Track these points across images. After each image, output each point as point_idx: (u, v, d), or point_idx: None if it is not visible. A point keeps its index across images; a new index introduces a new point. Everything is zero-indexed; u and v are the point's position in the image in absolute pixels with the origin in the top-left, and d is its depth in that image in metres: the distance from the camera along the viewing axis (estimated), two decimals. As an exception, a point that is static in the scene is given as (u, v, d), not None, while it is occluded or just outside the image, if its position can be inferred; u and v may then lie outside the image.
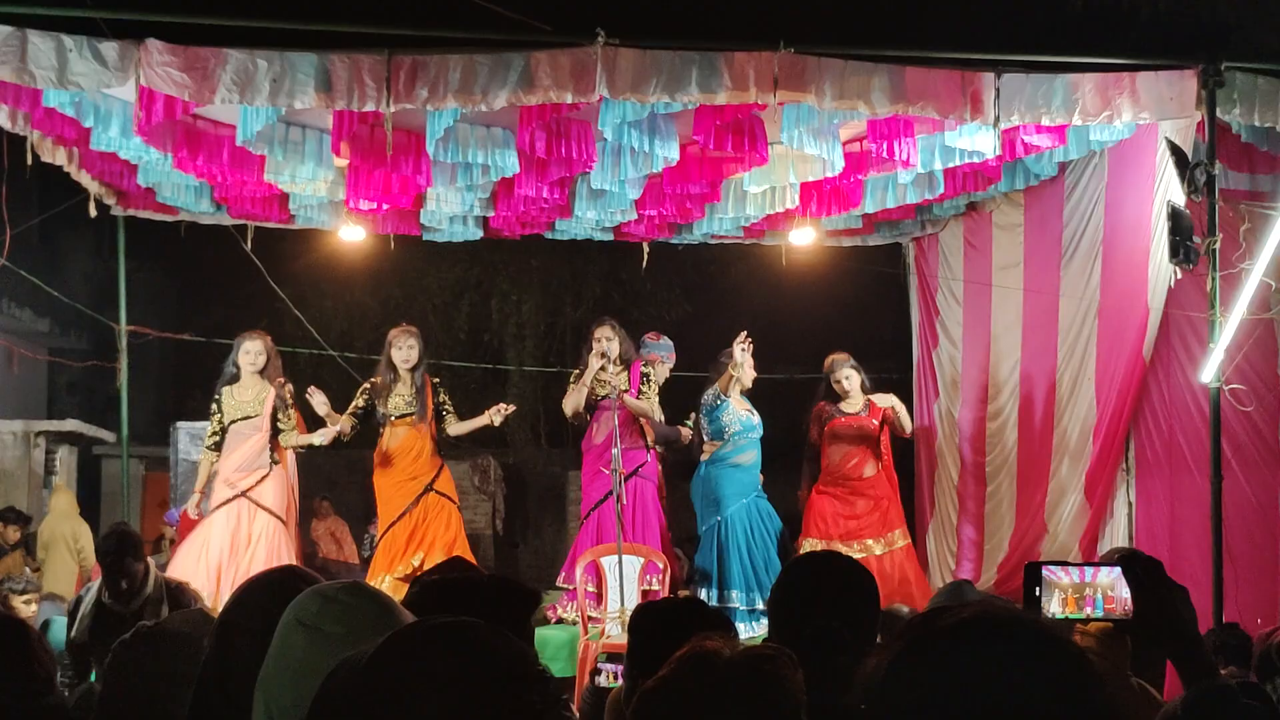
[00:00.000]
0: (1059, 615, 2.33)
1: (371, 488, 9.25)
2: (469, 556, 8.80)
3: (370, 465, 9.34)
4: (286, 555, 8.65)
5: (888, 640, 1.58)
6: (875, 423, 9.38)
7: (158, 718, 3.01)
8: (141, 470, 17.68)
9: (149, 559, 6.60)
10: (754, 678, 2.09)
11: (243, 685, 2.02)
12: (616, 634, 7.96)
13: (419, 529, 8.91)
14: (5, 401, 19.48)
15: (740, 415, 9.18)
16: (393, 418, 8.99)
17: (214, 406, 8.96)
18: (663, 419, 9.41)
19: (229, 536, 8.56)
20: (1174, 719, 2.84)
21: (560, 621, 8.96)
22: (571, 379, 9.32)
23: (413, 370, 9.05)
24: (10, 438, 16.46)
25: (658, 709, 2.08)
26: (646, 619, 3.54)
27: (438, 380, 9.28)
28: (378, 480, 9.16)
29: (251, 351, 8.98)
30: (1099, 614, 2.36)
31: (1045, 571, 2.35)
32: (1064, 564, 2.39)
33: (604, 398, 9.02)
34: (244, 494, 8.72)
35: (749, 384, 9.24)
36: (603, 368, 8.97)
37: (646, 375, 9.13)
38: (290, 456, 9.13)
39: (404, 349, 9.04)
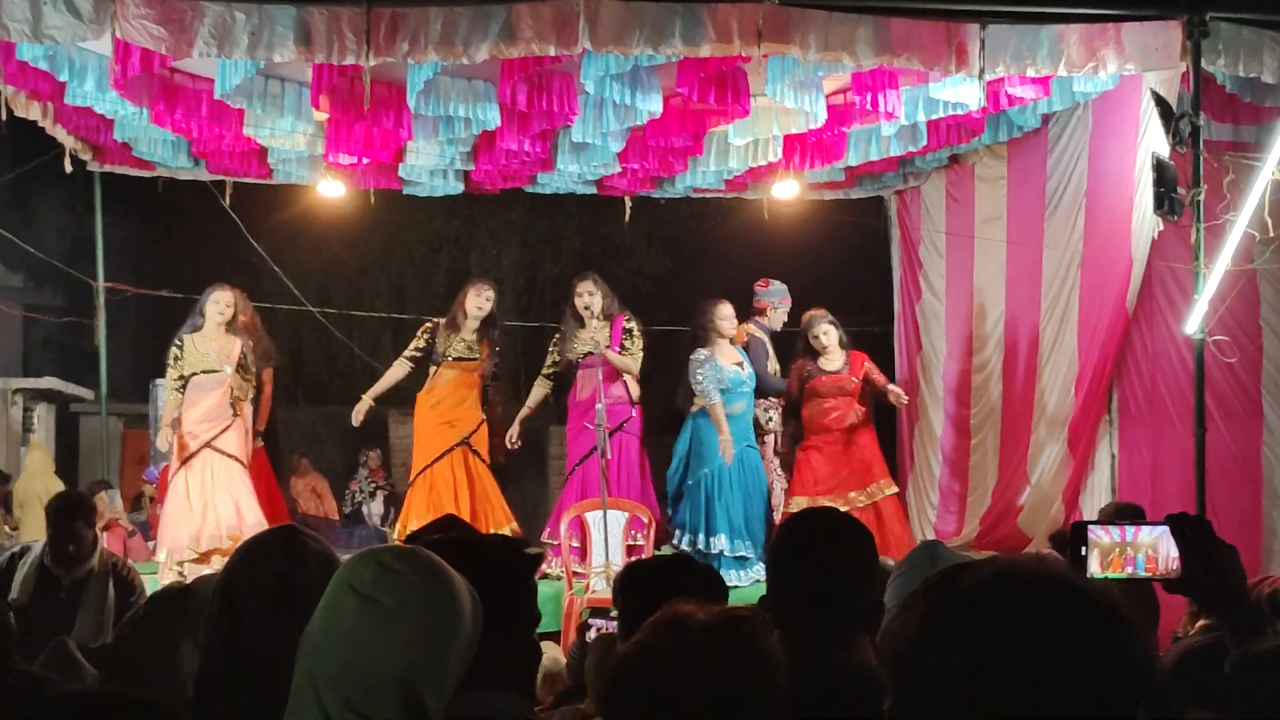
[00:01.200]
0: (1099, 575, 2.31)
1: (353, 442, 9.28)
2: (500, 512, 9.03)
3: (349, 422, 9.39)
4: (249, 497, 8.76)
5: (908, 602, 1.57)
6: (856, 380, 9.38)
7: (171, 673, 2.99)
8: (120, 427, 17.57)
9: (99, 533, 6.53)
10: (728, 640, 2.07)
11: (249, 647, 1.99)
12: (601, 589, 7.97)
13: (445, 486, 9.00)
14: (-19, 358, 19.36)
15: (729, 370, 9.13)
16: (449, 358, 9.10)
17: (175, 352, 8.91)
18: (772, 371, 9.62)
19: (199, 485, 8.66)
20: (1167, 674, 2.85)
21: (545, 577, 8.96)
22: (551, 345, 9.34)
23: (482, 323, 9.15)
24: (-13, 395, 16.35)
25: (633, 674, 2.07)
26: (634, 579, 3.53)
27: (498, 349, 9.41)
28: (418, 420, 9.32)
29: (221, 302, 8.94)
30: (1140, 573, 2.34)
31: (1092, 531, 2.33)
32: (1112, 523, 2.38)
33: (587, 354, 9.02)
34: (208, 444, 8.76)
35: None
36: (584, 323, 8.99)
37: (629, 330, 9.10)
38: (246, 409, 9.11)
39: (480, 299, 9.15)
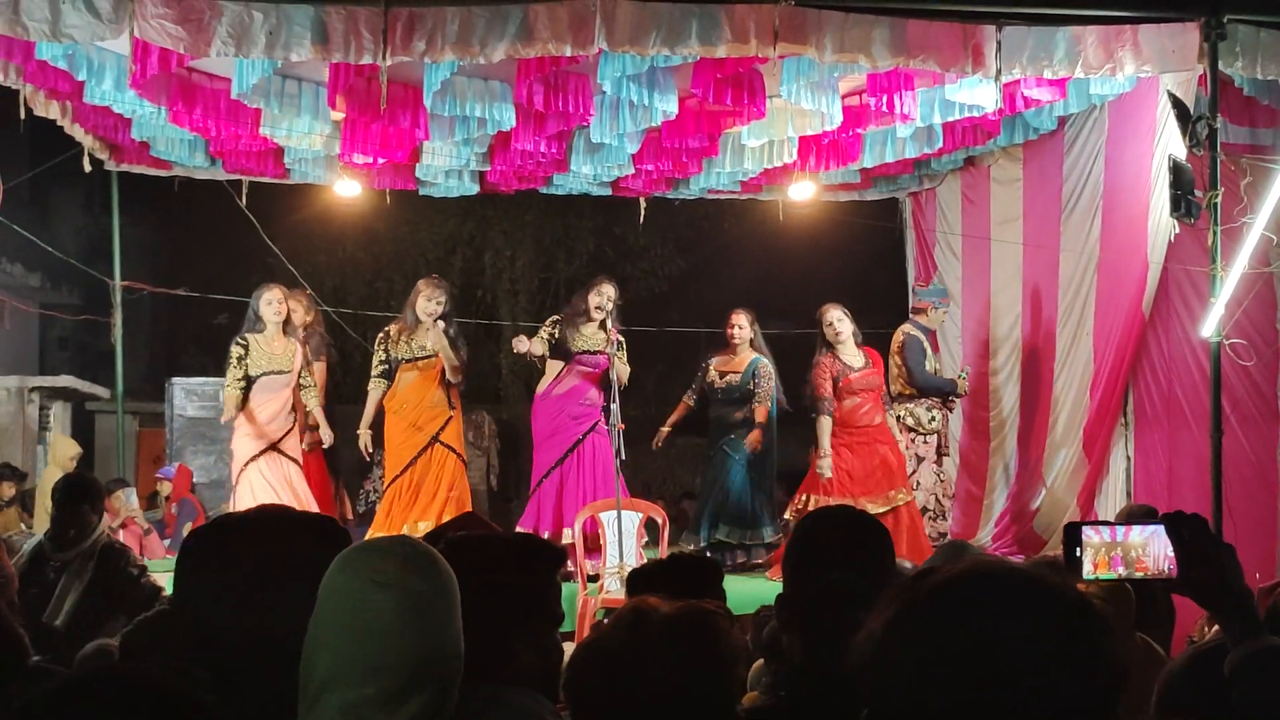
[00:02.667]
0: (1090, 576, 2.30)
1: (374, 442, 9.27)
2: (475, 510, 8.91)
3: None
4: (309, 500, 8.87)
5: (880, 605, 1.55)
6: (879, 377, 9.47)
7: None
8: (136, 426, 17.65)
9: (106, 522, 6.49)
10: (687, 633, 2.08)
11: (290, 634, 1.99)
12: (615, 589, 7.97)
13: (422, 486, 8.96)
14: (-1, 357, 19.43)
15: (711, 376, 9.74)
16: (403, 361, 9.02)
17: (239, 351, 8.89)
18: (932, 370, 9.68)
19: (269, 486, 8.71)
20: (1176, 677, 2.83)
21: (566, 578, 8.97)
22: (549, 324, 9.30)
23: (436, 321, 9.06)
24: (4, 393, 16.39)
25: (592, 663, 2.08)
26: (643, 578, 3.55)
27: (453, 334, 9.22)
28: (387, 426, 9.21)
29: (274, 301, 8.98)
30: (1132, 573, 2.32)
31: (1084, 532, 2.31)
32: (1101, 523, 2.36)
33: (586, 352, 9.02)
34: (274, 446, 8.83)
35: None
36: (601, 324, 9.04)
37: (621, 343, 9.10)
38: (300, 410, 9.19)
39: (431, 301, 9.07)
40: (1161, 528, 2.32)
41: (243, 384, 8.86)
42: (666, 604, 2.15)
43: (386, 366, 9.11)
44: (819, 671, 2.48)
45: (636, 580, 3.57)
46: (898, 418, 9.63)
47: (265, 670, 2.04)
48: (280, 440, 8.87)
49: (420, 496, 8.92)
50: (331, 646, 1.93)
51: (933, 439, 9.63)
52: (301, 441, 9.22)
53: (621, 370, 8.92)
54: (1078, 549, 2.29)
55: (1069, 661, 1.43)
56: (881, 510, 9.20)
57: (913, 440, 9.54)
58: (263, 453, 8.81)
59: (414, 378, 9.05)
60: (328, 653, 1.93)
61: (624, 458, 8.52)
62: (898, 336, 9.58)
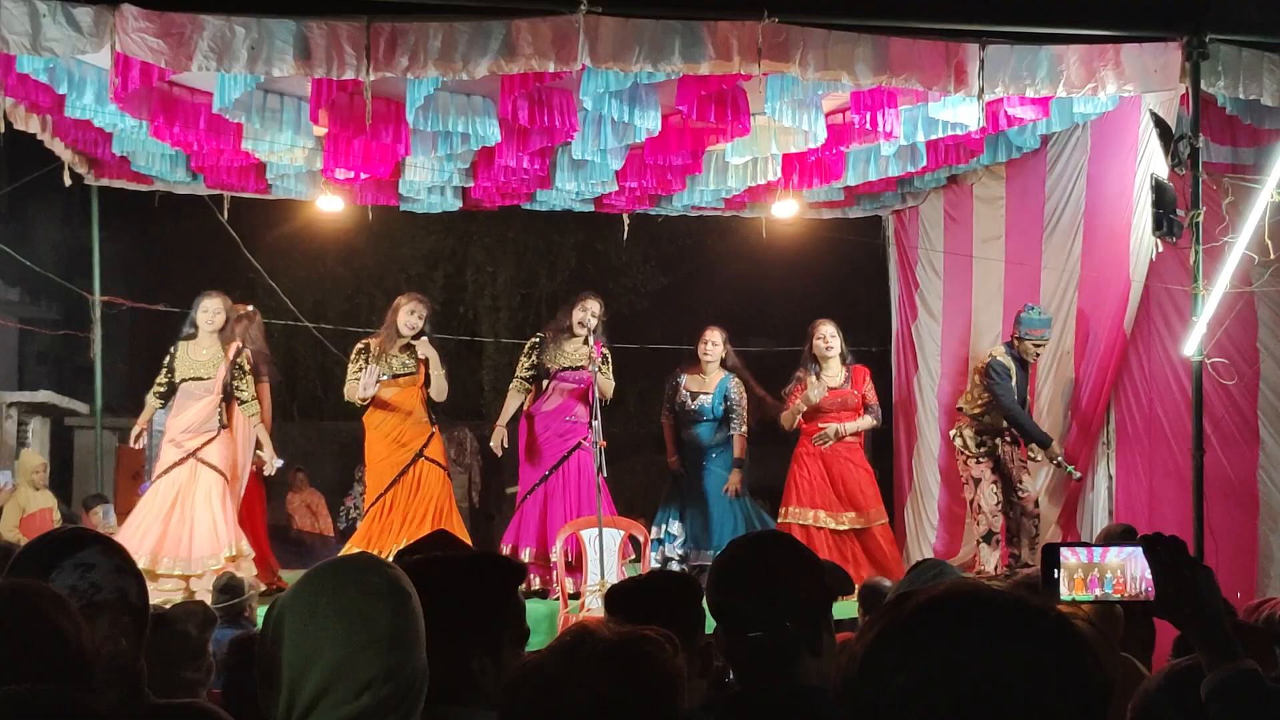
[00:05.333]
0: (1067, 597, 2.29)
1: (348, 458, 9.21)
2: (459, 526, 8.80)
3: (345, 437, 9.29)
4: (228, 509, 8.60)
5: (863, 626, 1.55)
6: (858, 394, 9.46)
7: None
8: (115, 441, 17.53)
9: None
10: (626, 660, 2.06)
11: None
12: (596, 607, 7.93)
13: (407, 505, 8.87)
14: (-25, 372, 19.32)
15: (684, 395, 9.56)
16: (384, 378, 8.93)
17: (166, 359, 8.88)
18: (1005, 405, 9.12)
19: (174, 495, 8.50)
20: (1152, 696, 2.82)
21: (541, 594, 8.92)
22: (528, 350, 9.27)
23: (415, 337, 9.02)
24: (-18, 408, 16.34)
25: (528, 686, 2.05)
26: (621, 596, 3.53)
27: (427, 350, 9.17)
28: (368, 443, 9.12)
29: (210, 310, 8.85)
30: (1110, 594, 2.32)
31: (1062, 553, 2.31)
32: (1079, 544, 2.36)
33: (565, 368, 9.00)
34: (192, 454, 8.63)
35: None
36: (585, 339, 9.00)
37: (606, 357, 9.08)
38: (241, 421, 8.96)
39: (413, 314, 9.01)
40: (1139, 549, 2.32)
41: (164, 390, 8.81)
42: (609, 628, 2.12)
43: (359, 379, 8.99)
44: (756, 694, 2.50)
45: (614, 597, 3.54)
46: (951, 435, 9.55)
47: None
48: (201, 449, 8.62)
49: (407, 514, 8.83)
50: (323, 663, 1.92)
51: (986, 460, 9.19)
52: (240, 452, 8.96)
53: (605, 385, 8.88)
54: (1055, 570, 2.29)
55: (1051, 683, 1.41)
56: (856, 529, 9.27)
57: (964, 462, 9.32)
58: (179, 463, 8.60)
59: (394, 393, 8.96)
60: (319, 669, 1.92)
61: (605, 474, 8.50)
62: (984, 357, 9.24)
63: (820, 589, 2.67)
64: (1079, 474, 8.91)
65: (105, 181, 10.59)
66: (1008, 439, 9.18)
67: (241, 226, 11.45)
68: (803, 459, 9.55)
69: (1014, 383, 9.03)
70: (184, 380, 8.76)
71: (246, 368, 8.90)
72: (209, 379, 8.74)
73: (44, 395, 17.30)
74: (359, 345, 9.13)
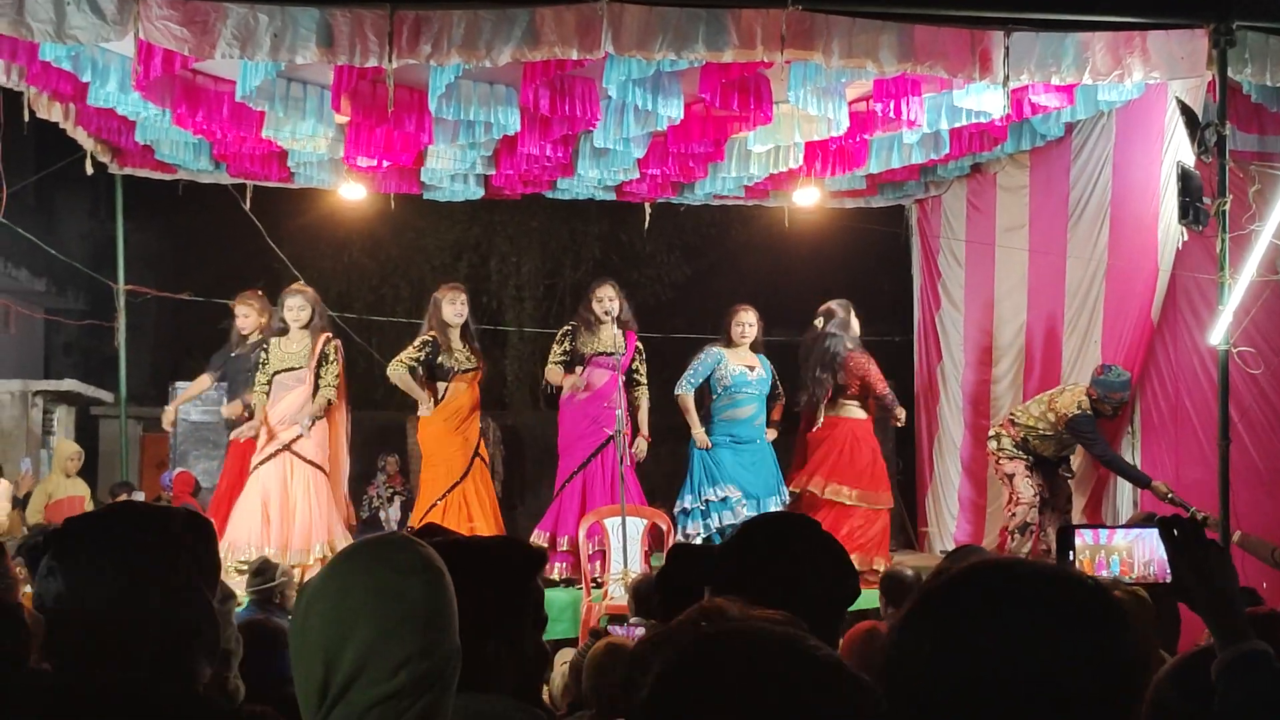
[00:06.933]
0: None
1: (372, 447, 9.23)
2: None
3: (368, 426, 9.32)
4: (328, 504, 8.83)
5: (903, 607, 1.55)
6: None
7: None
8: (139, 431, 17.62)
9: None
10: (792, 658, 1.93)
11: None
12: (619, 596, 7.94)
13: (476, 497, 8.97)
14: (3, 361, 19.44)
15: (735, 370, 9.34)
16: (456, 372, 9.00)
17: (262, 355, 9.00)
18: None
19: (279, 488, 8.67)
20: (1158, 684, 2.80)
21: (568, 583, 8.92)
22: (560, 337, 9.27)
23: (464, 326, 9.12)
24: (8, 397, 16.41)
25: (678, 691, 1.82)
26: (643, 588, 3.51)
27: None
28: (433, 436, 9.12)
29: (294, 306, 8.98)
30: (1116, 575, 2.33)
31: (1077, 535, 2.31)
32: (1091, 526, 2.36)
33: (601, 354, 8.99)
34: (287, 447, 8.78)
35: None
36: (616, 322, 9.06)
37: (640, 351, 9.07)
38: (339, 415, 9.15)
39: (456, 304, 9.09)
40: (1148, 531, 2.32)
41: (265, 386, 8.92)
42: (740, 619, 1.99)
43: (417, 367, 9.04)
44: None
45: (640, 592, 3.52)
46: (989, 435, 9.40)
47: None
48: (294, 442, 8.77)
49: (472, 508, 8.90)
50: (357, 642, 1.92)
51: (1020, 458, 9.03)
52: (331, 445, 9.06)
53: (641, 398, 9.14)
54: (1070, 552, 2.30)
55: (1088, 650, 1.41)
56: (865, 506, 9.31)
57: (997, 461, 9.17)
58: (274, 455, 8.75)
59: (464, 389, 9.07)
60: (354, 648, 1.92)
61: (629, 464, 8.50)
62: (1073, 406, 8.67)
63: (850, 589, 2.62)
64: (1212, 518, 7.38)
65: (129, 170, 10.64)
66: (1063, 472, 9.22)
67: (265, 216, 11.46)
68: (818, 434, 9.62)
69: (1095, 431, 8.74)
70: (277, 372, 8.90)
71: (333, 356, 9.02)
72: (300, 369, 8.87)
73: (69, 384, 17.37)
74: (423, 338, 9.07)
